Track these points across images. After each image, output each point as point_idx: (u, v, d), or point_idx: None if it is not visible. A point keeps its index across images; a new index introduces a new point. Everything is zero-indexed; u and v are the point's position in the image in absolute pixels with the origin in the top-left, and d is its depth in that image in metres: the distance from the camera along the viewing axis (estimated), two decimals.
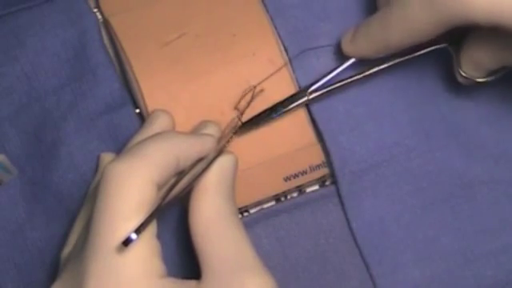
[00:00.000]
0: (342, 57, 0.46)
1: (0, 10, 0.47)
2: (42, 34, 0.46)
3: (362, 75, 0.44)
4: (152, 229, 0.36)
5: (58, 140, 0.45)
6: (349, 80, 0.44)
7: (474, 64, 0.42)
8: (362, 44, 0.43)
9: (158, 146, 0.37)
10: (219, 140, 0.42)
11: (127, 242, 0.34)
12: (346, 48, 0.44)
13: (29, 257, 0.45)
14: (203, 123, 0.43)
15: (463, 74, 0.42)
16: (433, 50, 0.43)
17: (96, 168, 0.45)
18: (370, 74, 0.44)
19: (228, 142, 0.43)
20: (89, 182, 0.44)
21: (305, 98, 0.45)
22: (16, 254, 0.45)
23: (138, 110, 0.46)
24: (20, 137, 0.46)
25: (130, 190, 0.35)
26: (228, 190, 0.39)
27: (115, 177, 0.36)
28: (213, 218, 0.38)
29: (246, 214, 0.46)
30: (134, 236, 0.34)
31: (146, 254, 0.35)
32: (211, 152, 0.40)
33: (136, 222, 0.35)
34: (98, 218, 0.35)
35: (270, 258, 0.45)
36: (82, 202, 0.43)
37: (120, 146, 0.44)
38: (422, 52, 0.43)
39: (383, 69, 0.44)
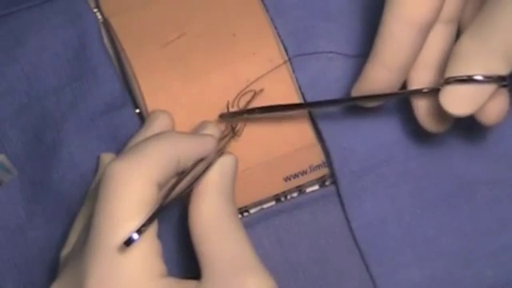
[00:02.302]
0: (341, 57, 0.46)
1: (0, 10, 0.47)
2: (41, 34, 0.46)
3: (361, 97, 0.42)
4: (153, 229, 0.36)
5: (58, 140, 0.45)
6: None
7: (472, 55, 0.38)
8: (374, 71, 0.41)
9: (158, 145, 0.37)
10: (219, 140, 0.42)
11: (129, 242, 0.34)
12: (357, 88, 0.42)
13: (29, 257, 0.45)
14: (203, 124, 0.43)
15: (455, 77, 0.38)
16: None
17: (96, 168, 0.45)
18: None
19: (228, 142, 0.43)
20: (89, 182, 0.44)
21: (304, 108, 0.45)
22: (16, 254, 0.45)
23: (137, 110, 0.46)
24: (20, 137, 0.46)
25: (131, 189, 0.35)
26: (228, 190, 0.39)
27: (116, 176, 0.36)
28: (213, 219, 0.38)
29: (245, 213, 0.46)
30: (135, 236, 0.34)
31: (147, 254, 0.35)
32: (212, 152, 0.40)
33: (137, 222, 0.35)
34: (99, 218, 0.35)
35: (269, 258, 0.45)
36: (82, 202, 0.43)
37: (120, 146, 0.44)
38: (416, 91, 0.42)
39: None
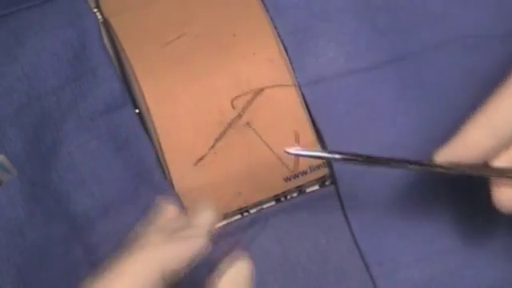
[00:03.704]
0: (340, 57, 0.46)
1: (0, 9, 0.47)
2: (42, 34, 0.47)
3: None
4: None
5: (58, 140, 0.45)
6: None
7: None
8: (477, 134, 0.36)
9: (136, 262, 0.34)
10: (212, 224, 0.38)
11: None
12: (448, 151, 0.37)
13: (28, 257, 0.45)
14: (199, 204, 0.39)
15: None
16: None
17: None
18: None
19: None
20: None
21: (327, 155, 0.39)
22: (16, 254, 0.45)
23: (137, 110, 0.46)
24: (20, 137, 0.46)
25: None
26: None
27: None
28: None
29: (245, 214, 0.46)
30: None
31: None
32: (203, 249, 0.37)
33: None
34: None
35: (269, 258, 0.45)
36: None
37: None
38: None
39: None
